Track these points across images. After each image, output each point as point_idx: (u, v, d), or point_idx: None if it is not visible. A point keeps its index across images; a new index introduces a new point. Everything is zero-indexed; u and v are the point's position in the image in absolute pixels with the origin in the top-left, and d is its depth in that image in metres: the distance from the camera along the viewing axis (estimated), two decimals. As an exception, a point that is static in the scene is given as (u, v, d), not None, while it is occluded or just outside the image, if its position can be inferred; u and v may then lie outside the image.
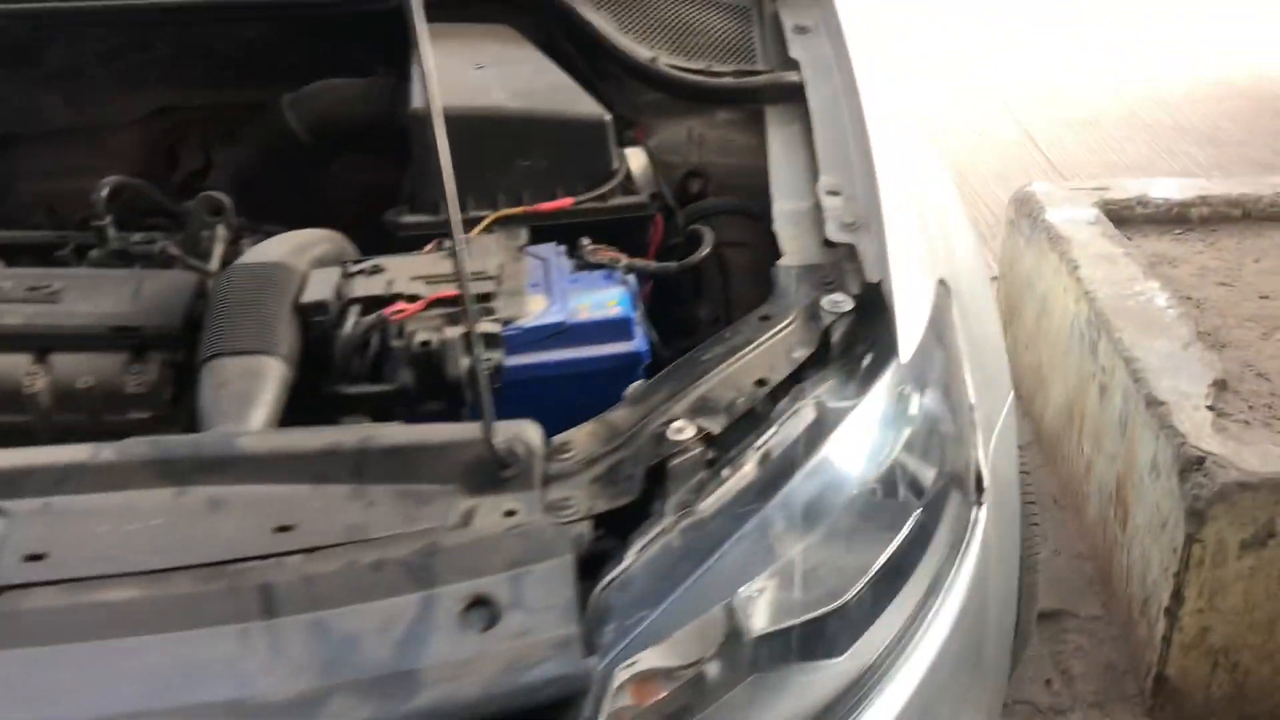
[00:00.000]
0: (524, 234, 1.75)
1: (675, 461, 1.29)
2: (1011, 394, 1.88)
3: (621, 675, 1.16)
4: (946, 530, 1.47)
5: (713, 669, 1.21)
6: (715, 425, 1.34)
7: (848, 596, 1.30)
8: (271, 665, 1.11)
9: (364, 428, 1.37)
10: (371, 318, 1.52)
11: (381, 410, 1.50)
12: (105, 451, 1.26)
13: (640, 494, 1.29)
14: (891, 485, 1.40)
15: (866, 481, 1.37)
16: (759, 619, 1.24)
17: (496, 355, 1.51)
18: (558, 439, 1.34)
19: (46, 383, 1.56)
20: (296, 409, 1.49)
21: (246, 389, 1.44)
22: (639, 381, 1.46)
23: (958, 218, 2.07)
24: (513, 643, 1.14)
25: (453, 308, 1.53)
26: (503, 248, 1.70)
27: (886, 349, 1.47)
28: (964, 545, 1.49)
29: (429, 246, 1.70)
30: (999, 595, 1.66)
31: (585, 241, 1.73)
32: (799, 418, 1.37)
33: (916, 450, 1.46)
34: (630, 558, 1.22)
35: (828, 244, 1.62)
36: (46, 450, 1.29)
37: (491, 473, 1.27)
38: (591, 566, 1.22)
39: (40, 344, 1.58)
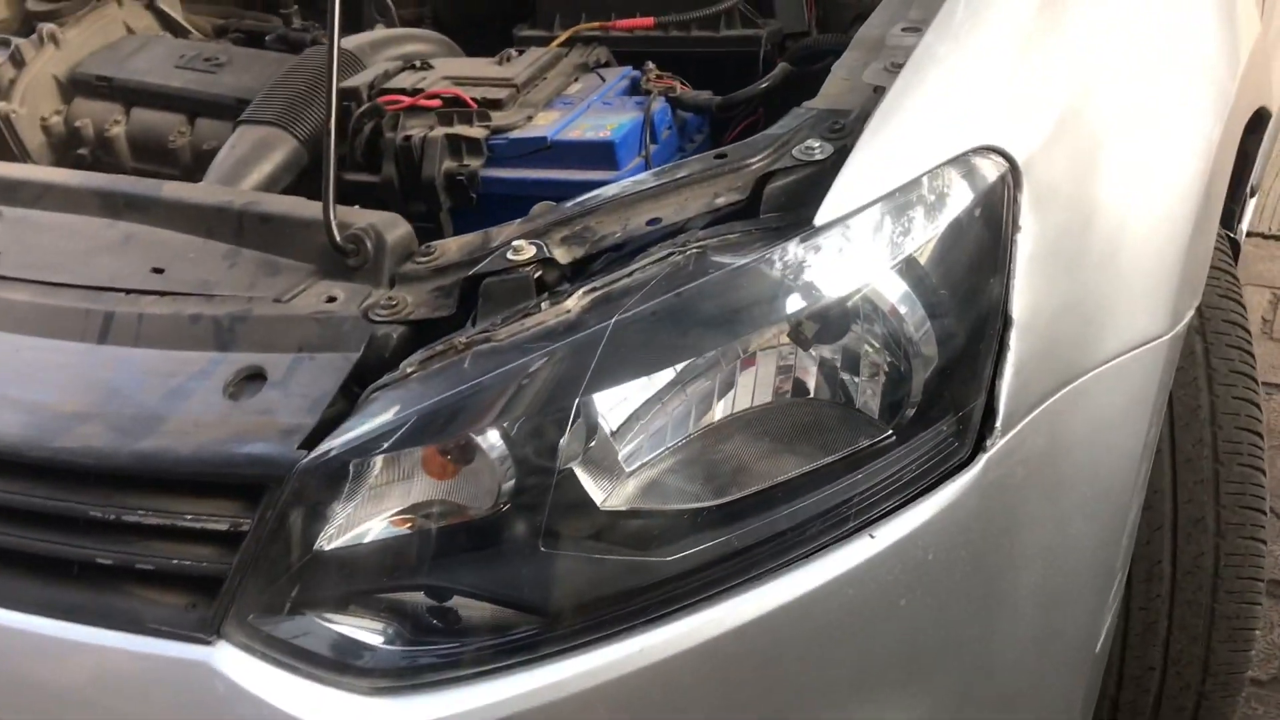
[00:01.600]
0: (601, 51, 1.62)
1: (490, 280, 1.16)
2: (1171, 334, 1.38)
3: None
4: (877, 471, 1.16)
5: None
6: (565, 253, 1.18)
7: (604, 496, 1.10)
8: (72, 381, 1.21)
9: (255, 194, 1.39)
10: (366, 105, 1.52)
11: (379, 203, 1.51)
12: (77, 178, 1.43)
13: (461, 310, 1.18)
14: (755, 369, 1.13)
15: (708, 354, 1.12)
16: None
17: (476, 163, 1.44)
18: (431, 243, 1.26)
19: (186, 142, 1.78)
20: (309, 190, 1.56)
21: (250, 155, 1.52)
22: (546, 202, 1.30)
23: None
24: (251, 417, 1.13)
25: (459, 108, 1.48)
26: (567, 62, 1.59)
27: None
28: (894, 491, 1.16)
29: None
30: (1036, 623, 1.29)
31: (650, 65, 1.56)
32: (662, 265, 1.14)
33: (830, 344, 1.15)
34: (408, 369, 1.13)
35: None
36: (44, 170, 1.49)
37: (342, 260, 1.24)
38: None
39: (190, 108, 1.81)
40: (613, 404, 1.13)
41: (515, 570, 1.11)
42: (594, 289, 1.14)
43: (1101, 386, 1.31)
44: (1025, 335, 1.23)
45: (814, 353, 1.19)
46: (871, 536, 1.16)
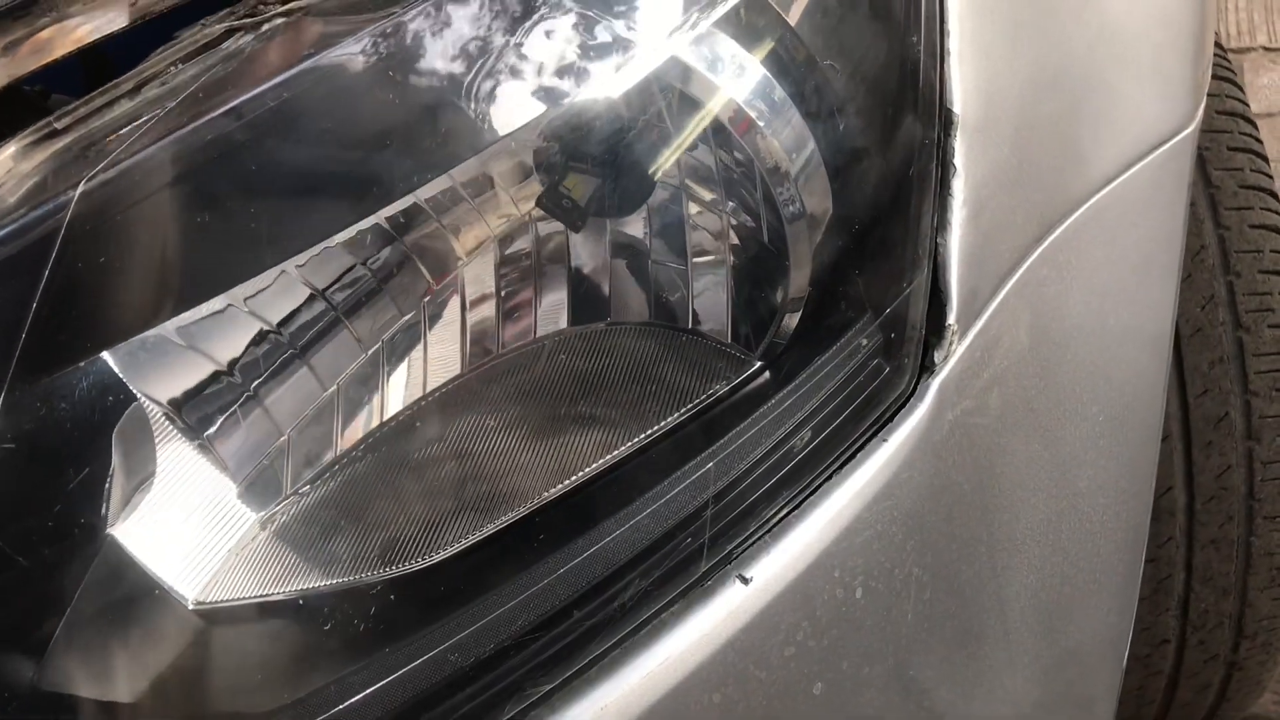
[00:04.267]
0: None
1: None
2: (1194, 125, 0.82)
3: None
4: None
5: None
6: None
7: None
8: None
9: None
10: None
11: None
12: None
13: None
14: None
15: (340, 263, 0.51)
16: None
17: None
18: None
19: None
20: None
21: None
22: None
23: None
24: None
25: None
26: None
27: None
28: (779, 484, 0.57)
29: None
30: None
31: None
32: (208, 60, 0.52)
33: (617, 213, 0.55)
34: None
35: None
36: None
37: None
38: None
39: None
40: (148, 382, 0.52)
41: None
42: (50, 131, 0.50)
43: (1105, 222, 0.74)
44: (979, 147, 0.65)
45: (594, 232, 0.58)
46: (743, 580, 0.57)
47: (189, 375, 0.55)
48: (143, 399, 0.56)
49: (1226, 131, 1.05)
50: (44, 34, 0.56)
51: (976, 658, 0.70)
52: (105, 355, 0.53)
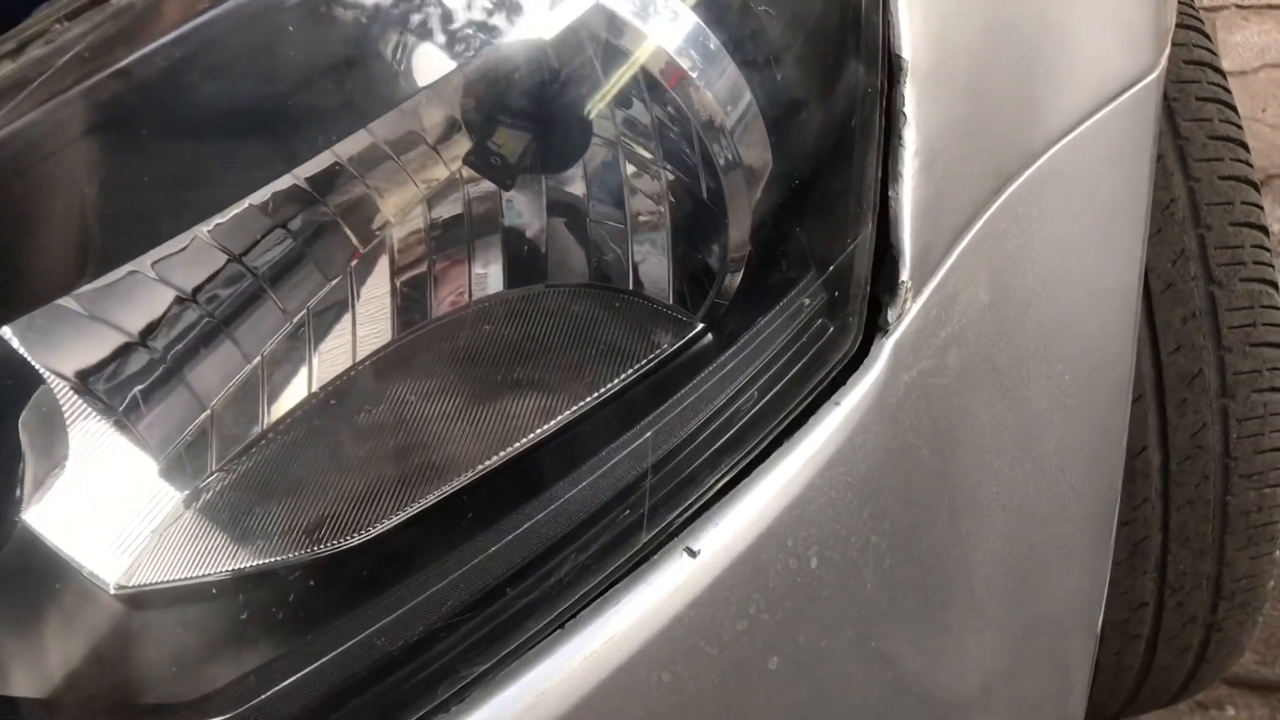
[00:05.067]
0: None
1: None
2: (1158, 70, 0.80)
3: None
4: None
5: None
6: None
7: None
8: None
9: None
10: None
11: None
12: None
13: None
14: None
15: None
16: None
17: None
18: None
19: None
20: None
21: None
22: None
23: None
24: None
25: None
26: None
27: None
28: (722, 450, 0.54)
29: None
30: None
31: None
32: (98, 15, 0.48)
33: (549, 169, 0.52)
34: None
35: None
36: None
37: None
38: None
39: None
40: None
41: None
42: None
43: (1067, 172, 0.72)
44: (931, 95, 0.62)
45: (527, 190, 0.56)
46: (690, 553, 0.54)
47: (98, 347, 0.52)
48: (50, 376, 0.53)
49: (1194, 81, 1.02)
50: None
51: (942, 627, 0.68)
52: (4, 330, 0.50)
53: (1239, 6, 2.71)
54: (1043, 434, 0.72)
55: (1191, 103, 1.01)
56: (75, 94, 0.44)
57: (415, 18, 0.51)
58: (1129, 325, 0.78)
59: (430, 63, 0.51)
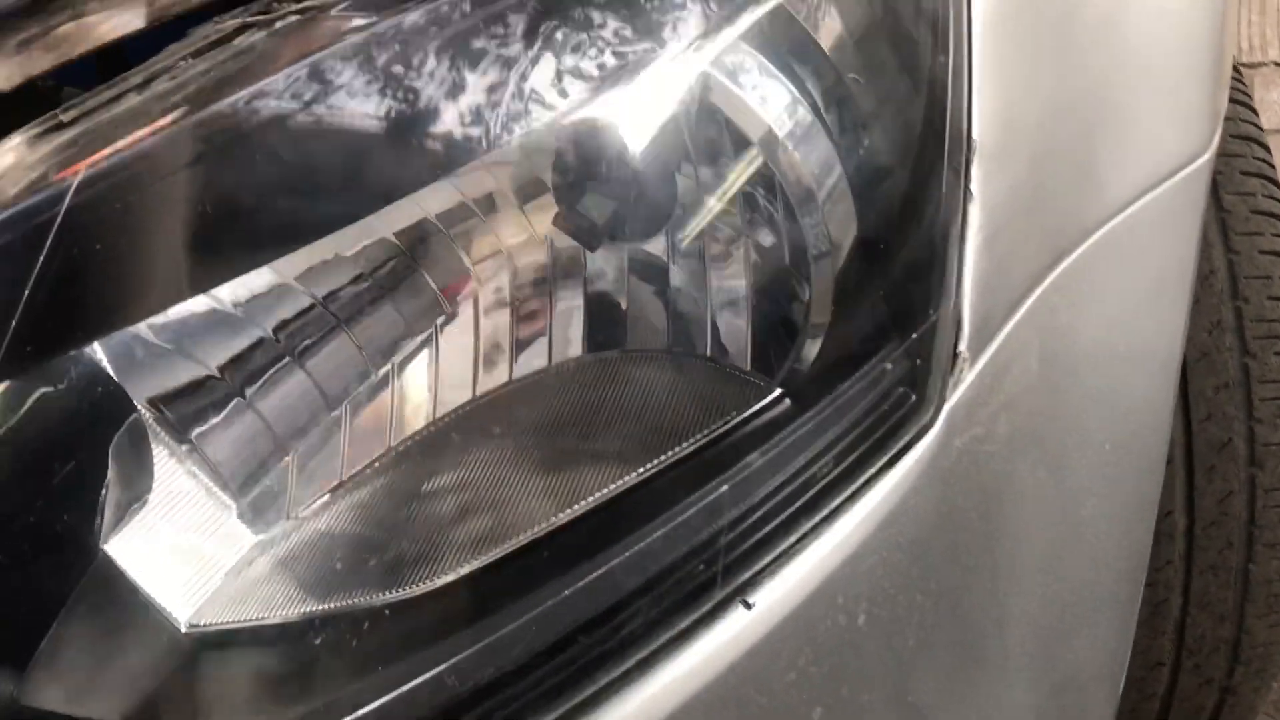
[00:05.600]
0: None
1: None
2: (1211, 151, 0.82)
3: None
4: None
5: None
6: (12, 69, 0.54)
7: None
8: None
9: None
10: None
11: None
12: None
13: None
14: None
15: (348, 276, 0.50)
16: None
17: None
18: None
19: None
20: None
21: None
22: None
23: None
24: None
25: None
26: None
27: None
28: (799, 512, 0.56)
29: None
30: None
31: None
32: (219, 55, 0.51)
33: (637, 236, 0.55)
34: None
35: None
36: None
37: None
38: None
39: None
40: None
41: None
42: (56, 123, 0.50)
43: (1119, 249, 0.74)
44: (995, 172, 0.65)
45: (611, 253, 0.58)
46: (746, 605, 0.56)
47: (182, 380, 0.54)
48: (141, 407, 0.55)
49: (1240, 155, 1.05)
50: (60, 31, 0.55)
51: (975, 683, 0.70)
52: (96, 348, 0.52)
53: (1278, 64, 2.74)
54: (1082, 500, 0.74)
55: (1236, 176, 1.03)
56: (188, 125, 0.47)
57: (513, 75, 0.53)
58: (1169, 398, 0.80)
59: (524, 121, 0.53)
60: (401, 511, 0.55)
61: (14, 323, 0.44)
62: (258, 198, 0.50)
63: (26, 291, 0.44)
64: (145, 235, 0.49)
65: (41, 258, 0.44)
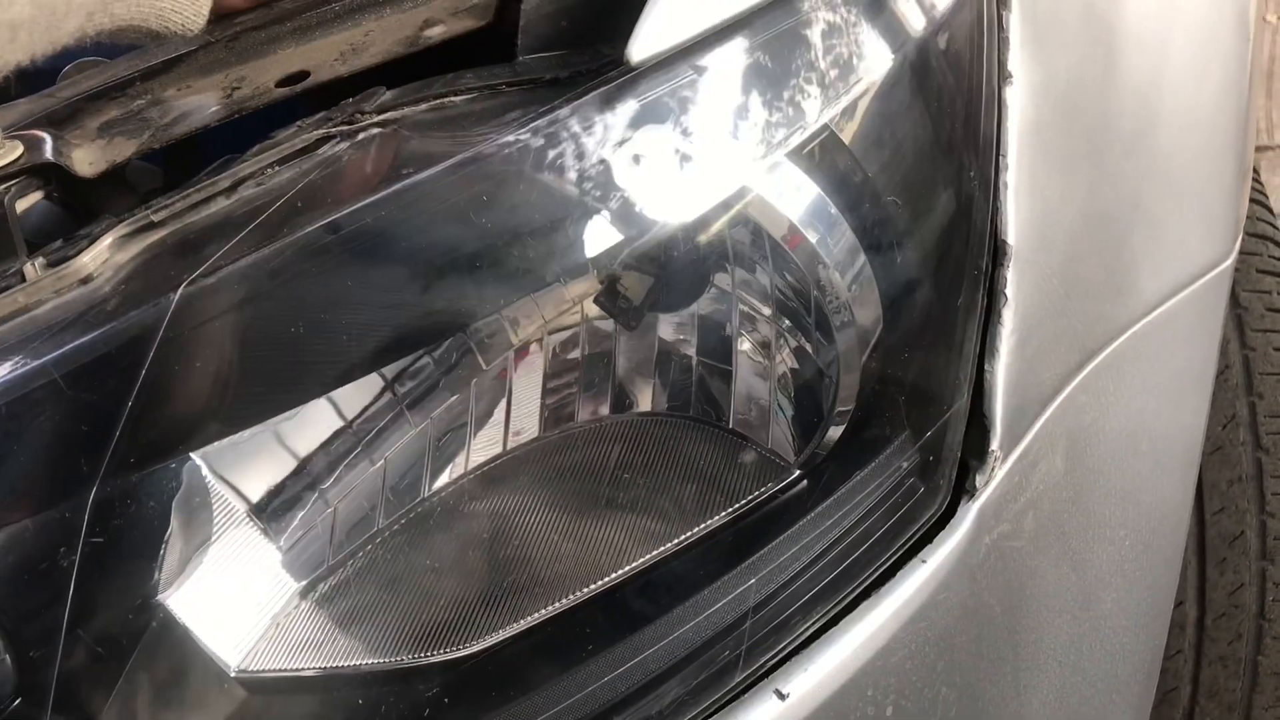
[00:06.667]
0: None
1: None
2: (1233, 256, 0.84)
3: None
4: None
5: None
6: (97, 155, 0.56)
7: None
8: None
9: None
10: None
11: None
12: None
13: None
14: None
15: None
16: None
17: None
18: None
19: None
20: None
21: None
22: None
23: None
24: None
25: None
26: None
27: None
28: (815, 598, 0.58)
29: None
30: None
31: None
32: (302, 165, 0.53)
33: (675, 309, 0.57)
34: None
35: None
36: None
37: None
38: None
39: None
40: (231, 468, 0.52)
41: None
42: (147, 223, 0.51)
43: (1143, 351, 0.76)
44: (1029, 277, 0.67)
45: (650, 334, 0.60)
46: (780, 695, 0.58)
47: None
48: (198, 461, 0.57)
49: (1257, 254, 1.07)
50: (140, 115, 0.57)
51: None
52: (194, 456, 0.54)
53: (1284, 151, 2.78)
54: (1101, 595, 0.76)
55: (1252, 274, 1.06)
56: (285, 243, 0.49)
57: (582, 200, 0.55)
58: (1188, 496, 0.82)
59: (590, 242, 0.55)
60: (435, 564, 0.57)
61: (116, 435, 0.46)
62: (350, 318, 0.52)
63: (128, 404, 0.46)
64: (241, 350, 0.51)
65: (143, 372, 0.46)
